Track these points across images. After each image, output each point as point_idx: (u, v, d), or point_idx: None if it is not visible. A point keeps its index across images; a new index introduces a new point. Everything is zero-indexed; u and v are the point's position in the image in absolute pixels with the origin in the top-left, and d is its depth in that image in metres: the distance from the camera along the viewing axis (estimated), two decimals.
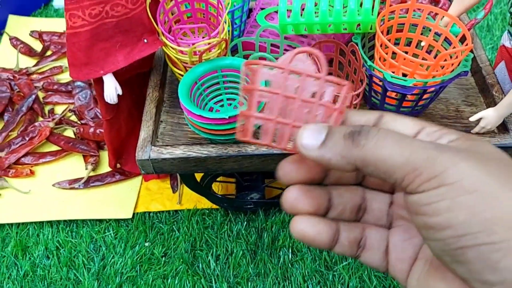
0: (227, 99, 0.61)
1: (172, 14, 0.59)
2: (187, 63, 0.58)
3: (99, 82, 0.59)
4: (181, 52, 0.56)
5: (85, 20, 0.50)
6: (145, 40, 0.55)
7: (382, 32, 0.58)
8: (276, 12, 0.69)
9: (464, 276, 0.24)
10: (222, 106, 0.61)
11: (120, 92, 0.57)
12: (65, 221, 0.76)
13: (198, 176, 0.69)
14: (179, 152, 0.57)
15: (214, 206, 0.77)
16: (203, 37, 0.63)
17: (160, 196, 0.79)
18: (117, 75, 0.58)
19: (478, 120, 0.56)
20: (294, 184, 0.30)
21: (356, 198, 0.31)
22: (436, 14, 0.61)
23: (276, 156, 0.57)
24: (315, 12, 0.57)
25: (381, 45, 0.57)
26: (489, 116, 0.54)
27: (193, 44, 0.54)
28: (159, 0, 0.56)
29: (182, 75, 0.61)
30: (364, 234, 0.31)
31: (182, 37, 0.61)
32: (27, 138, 0.85)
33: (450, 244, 0.24)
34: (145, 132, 0.59)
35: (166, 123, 0.63)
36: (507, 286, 0.23)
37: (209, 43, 0.55)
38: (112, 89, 0.56)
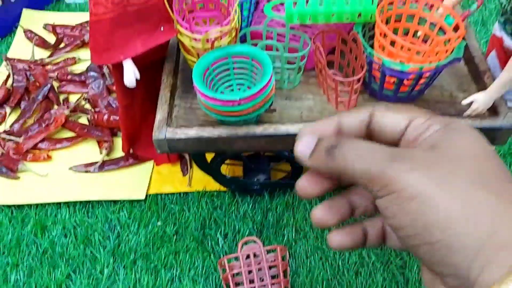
0: (237, 84, 0.65)
1: (186, 5, 0.64)
2: (200, 50, 0.62)
3: (118, 68, 0.63)
4: (195, 39, 0.60)
5: (107, 8, 0.55)
6: (162, 28, 0.60)
7: (381, 22, 0.63)
8: (282, 4, 0.73)
9: (428, 266, 0.27)
10: (232, 90, 0.65)
11: (138, 76, 0.61)
12: (81, 202, 0.81)
13: (208, 158, 0.73)
14: (192, 132, 0.61)
15: (222, 189, 0.81)
16: (214, 26, 0.67)
17: (171, 179, 0.83)
18: (134, 61, 0.62)
19: (470, 104, 0.60)
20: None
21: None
22: (432, 5, 0.65)
23: (283, 137, 0.62)
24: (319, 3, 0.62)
25: (380, 34, 0.62)
26: (479, 99, 0.59)
27: (206, 31, 0.59)
28: None
29: (194, 62, 0.65)
30: (383, 223, 0.34)
31: (195, 26, 0.65)
32: (43, 125, 0.89)
33: (406, 242, 0.27)
34: (160, 114, 0.63)
35: (180, 107, 0.67)
36: (458, 278, 0.25)
37: (221, 31, 0.59)
38: (131, 74, 0.60)
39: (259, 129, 0.61)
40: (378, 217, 0.35)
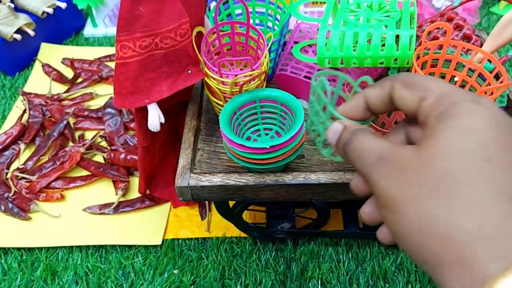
0: (264, 129, 0.62)
1: (213, 47, 0.61)
2: (227, 94, 0.60)
3: (141, 111, 0.60)
4: (223, 83, 0.58)
5: (135, 51, 0.52)
6: (189, 71, 0.57)
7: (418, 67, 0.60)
8: (310, 45, 0.71)
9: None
10: (259, 135, 0.62)
11: (163, 120, 0.59)
12: (94, 246, 0.77)
13: (230, 203, 0.69)
14: (217, 179, 0.58)
15: (243, 235, 0.77)
16: (241, 69, 0.65)
17: (189, 223, 0.79)
18: (158, 103, 0.60)
19: None
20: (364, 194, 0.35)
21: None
22: (469, 50, 0.62)
23: (313, 186, 0.58)
24: (354, 47, 0.59)
25: None
26: None
27: (235, 75, 0.56)
28: (203, 33, 0.58)
29: (220, 105, 0.63)
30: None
31: (222, 68, 0.63)
32: (58, 163, 0.86)
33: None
34: (184, 159, 0.60)
35: (203, 151, 0.64)
36: (431, 274, 0.25)
37: (250, 75, 0.57)
38: (156, 118, 0.57)
39: (288, 178, 0.58)
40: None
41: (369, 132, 0.31)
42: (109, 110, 0.95)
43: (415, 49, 0.59)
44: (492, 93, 0.56)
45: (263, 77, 0.60)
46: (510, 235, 0.21)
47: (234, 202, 0.70)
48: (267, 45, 0.58)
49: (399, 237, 0.26)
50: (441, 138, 0.26)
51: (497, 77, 0.58)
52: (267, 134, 0.62)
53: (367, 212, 0.33)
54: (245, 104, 0.59)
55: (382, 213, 0.28)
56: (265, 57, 0.58)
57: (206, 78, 0.60)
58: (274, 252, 0.75)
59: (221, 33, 0.61)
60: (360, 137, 0.30)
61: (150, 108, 0.57)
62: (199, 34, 0.58)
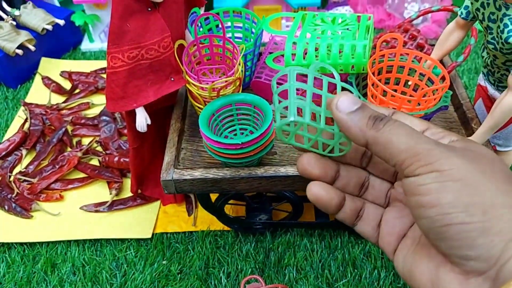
0: (240, 129, 0.70)
1: (194, 57, 0.70)
2: (206, 98, 0.68)
3: (131, 115, 0.68)
4: (202, 88, 0.66)
5: (124, 61, 0.60)
6: (172, 79, 0.65)
7: (374, 73, 0.68)
8: (282, 55, 0.80)
9: (446, 251, 0.28)
10: (235, 135, 0.70)
11: (149, 122, 0.66)
12: (90, 240, 0.84)
13: (213, 198, 0.77)
14: (198, 174, 0.66)
15: (226, 228, 0.84)
16: (219, 77, 0.73)
17: (176, 219, 0.87)
18: (146, 108, 0.68)
19: None
20: (309, 175, 0.35)
21: (361, 175, 0.38)
22: (421, 58, 0.71)
23: (283, 178, 0.66)
24: (316, 56, 0.68)
25: (372, 84, 0.67)
26: None
27: (212, 82, 0.64)
28: (184, 46, 0.67)
29: (201, 109, 0.71)
30: (364, 206, 0.37)
31: (202, 76, 0.71)
32: (57, 166, 0.94)
33: (436, 221, 0.27)
34: (168, 157, 0.68)
35: (187, 150, 0.72)
36: (481, 261, 0.26)
37: (226, 81, 0.65)
38: (143, 120, 0.65)
39: (260, 171, 0.65)
40: (359, 199, 0.37)
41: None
42: (104, 117, 1.03)
43: (370, 56, 0.68)
44: (438, 93, 0.64)
45: (238, 83, 0.68)
46: None
47: (216, 196, 0.78)
48: (240, 54, 0.66)
49: (470, 208, 0.27)
50: (478, 151, 0.31)
51: (443, 79, 0.66)
52: (242, 133, 0.70)
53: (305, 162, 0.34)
54: (222, 107, 0.67)
55: (446, 185, 0.27)
56: (239, 65, 0.66)
57: (187, 85, 0.68)
58: (254, 243, 0.82)
59: (200, 45, 0.69)
60: (398, 123, 0.31)
61: (138, 111, 0.65)
62: (181, 46, 0.66)
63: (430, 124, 0.33)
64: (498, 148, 0.74)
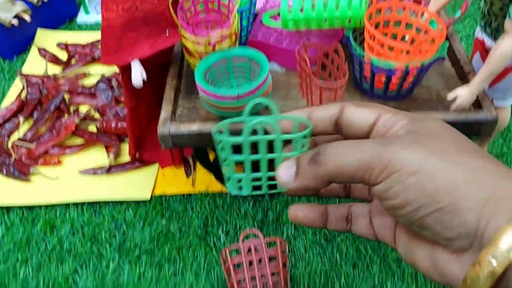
0: (237, 85, 0.70)
1: (190, 13, 0.69)
2: (202, 53, 0.67)
3: (126, 71, 0.68)
4: (198, 43, 0.66)
5: (118, 14, 0.60)
6: (167, 33, 0.65)
7: (370, 26, 0.68)
8: (279, 14, 0.79)
9: (432, 238, 0.29)
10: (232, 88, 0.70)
11: (145, 77, 0.66)
12: (89, 203, 0.84)
13: (211, 157, 0.77)
14: (194, 127, 0.66)
15: (224, 190, 0.85)
16: None
17: (175, 181, 0.87)
18: (142, 64, 0.68)
19: (455, 99, 0.64)
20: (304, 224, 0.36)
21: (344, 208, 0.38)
22: (418, 11, 0.70)
23: None
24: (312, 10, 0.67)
25: (370, 37, 0.67)
26: (462, 95, 0.63)
27: (208, 35, 0.64)
28: (179, 0, 0.66)
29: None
30: (350, 210, 0.36)
31: (197, 30, 0.70)
32: (54, 132, 0.94)
33: (412, 217, 0.28)
34: (165, 112, 0.68)
35: (183, 107, 0.72)
36: (462, 239, 0.27)
37: (221, 34, 0.65)
38: (138, 74, 0.65)
39: None
40: (344, 205, 0.36)
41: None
42: (101, 85, 1.03)
43: (367, 9, 0.67)
44: (434, 40, 0.64)
45: (234, 38, 0.68)
46: None
47: (214, 157, 0.78)
48: (236, 7, 0.66)
49: (436, 194, 0.28)
50: (431, 127, 0.30)
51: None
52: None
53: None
54: (218, 62, 0.67)
55: (408, 182, 0.28)
56: (235, 17, 0.66)
57: (183, 40, 0.67)
58: (252, 203, 0.83)
59: (195, 1, 0.69)
60: (335, 142, 0.30)
61: (133, 65, 0.65)
62: (176, 0, 0.66)
63: (381, 111, 0.32)
64: (495, 102, 0.74)
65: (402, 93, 0.69)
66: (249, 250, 0.71)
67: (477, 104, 0.66)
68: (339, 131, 0.32)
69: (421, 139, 0.30)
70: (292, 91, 0.73)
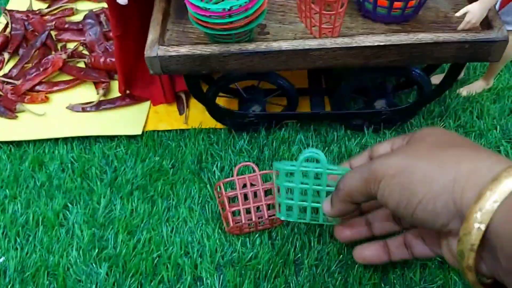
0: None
1: None
2: None
3: None
4: None
5: None
6: None
7: None
8: None
9: (434, 229, 0.34)
10: None
11: None
12: (78, 139, 0.81)
13: (204, 88, 0.73)
14: (184, 50, 0.61)
15: (219, 126, 0.81)
16: None
17: (167, 118, 0.83)
18: None
19: (463, 16, 0.60)
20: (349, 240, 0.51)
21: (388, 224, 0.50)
22: None
23: (275, 54, 0.61)
24: None
25: None
26: (473, 10, 0.58)
27: None
28: None
29: None
30: (405, 236, 0.45)
31: None
32: (41, 69, 0.90)
33: (408, 216, 0.33)
34: (152, 34, 0.63)
35: (172, 31, 0.67)
36: (451, 218, 0.31)
37: None
38: None
39: (251, 46, 0.61)
40: (397, 236, 0.47)
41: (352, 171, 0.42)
42: (89, 20, 0.98)
43: None
44: None
45: None
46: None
47: (207, 87, 0.74)
48: None
49: (413, 187, 0.33)
50: (418, 134, 0.39)
51: None
52: None
53: (328, 208, 0.46)
54: None
55: (392, 183, 0.34)
56: None
57: None
58: (247, 139, 0.79)
59: None
60: (348, 174, 0.42)
61: None
62: None
63: (393, 139, 0.44)
64: (507, 27, 0.69)
65: (407, 14, 0.64)
66: (245, 185, 0.69)
67: (486, 23, 0.61)
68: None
69: (406, 146, 0.38)
70: (289, 13, 0.68)
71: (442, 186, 0.30)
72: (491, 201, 0.26)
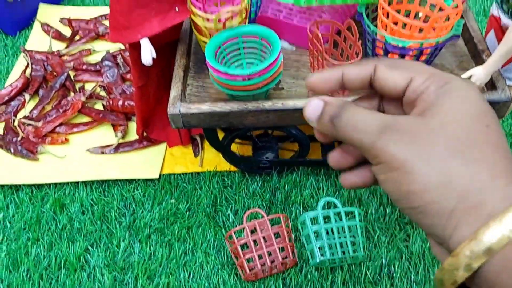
0: (247, 64, 0.69)
1: None
2: (212, 31, 0.66)
3: (135, 49, 0.67)
4: (208, 19, 0.64)
5: None
6: (177, 9, 0.63)
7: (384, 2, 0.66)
8: None
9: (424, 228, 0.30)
10: (242, 69, 0.69)
11: (154, 55, 0.65)
12: (97, 182, 0.85)
13: (220, 136, 0.77)
14: (205, 107, 0.65)
15: (233, 169, 0.85)
16: None
17: (183, 160, 0.87)
18: (151, 43, 0.66)
19: (469, 78, 0.63)
20: (343, 167, 0.37)
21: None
22: None
23: (290, 111, 0.65)
24: None
25: (383, 14, 0.65)
26: (478, 73, 0.62)
27: (218, 11, 0.63)
28: None
29: (206, 43, 0.69)
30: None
31: (207, 7, 0.69)
32: (61, 111, 0.93)
33: (396, 204, 0.30)
34: (175, 91, 0.67)
35: (192, 86, 0.71)
36: (437, 237, 0.28)
37: (232, 11, 0.63)
38: (148, 52, 0.64)
39: (268, 104, 0.65)
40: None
41: (359, 106, 0.32)
42: (107, 62, 1.02)
43: None
44: (448, 18, 0.62)
45: (244, 15, 0.66)
46: None
47: (223, 135, 0.77)
48: None
49: (409, 195, 0.28)
50: (446, 108, 0.29)
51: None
52: (249, 68, 0.69)
53: (335, 159, 0.36)
54: (229, 40, 0.66)
55: (389, 176, 0.29)
56: None
57: (192, 17, 0.66)
58: (260, 182, 0.83)
59: None
60: (352, 109, 0.31)
61: (142, 43, 0.64)
62: None
63: (412, 73, 0.31)
64: (508, 82, 0.73)
65: None
66: (255, 230, 0.72)
67: (490, 84, 0.65)
68: (374, 89, 0.32)
69: (425, 128, 0.29)
70: (303, 69, 0.72)
71: (440, 211, 0.27)
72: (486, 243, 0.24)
